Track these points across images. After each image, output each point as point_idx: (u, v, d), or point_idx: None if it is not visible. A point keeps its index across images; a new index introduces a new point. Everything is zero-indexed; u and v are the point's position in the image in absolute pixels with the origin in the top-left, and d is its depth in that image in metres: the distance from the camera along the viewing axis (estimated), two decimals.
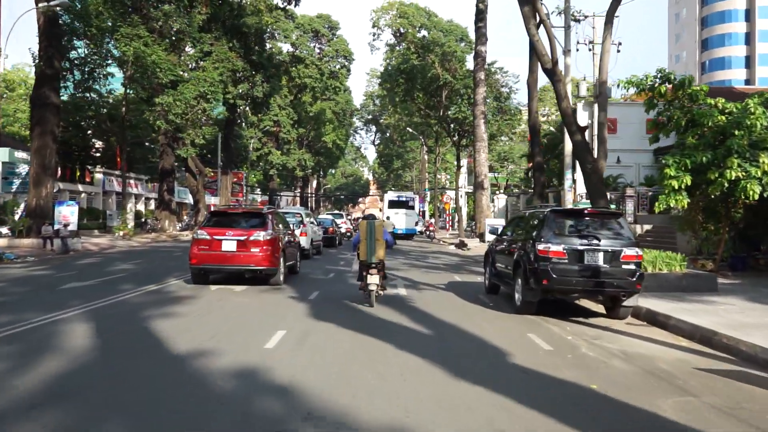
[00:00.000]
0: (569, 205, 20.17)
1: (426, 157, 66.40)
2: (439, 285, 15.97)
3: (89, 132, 43.64)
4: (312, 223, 29.12)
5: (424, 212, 66.30)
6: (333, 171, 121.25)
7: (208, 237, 15.48)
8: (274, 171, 70.67)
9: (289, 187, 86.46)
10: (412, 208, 48.50)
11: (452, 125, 44.07)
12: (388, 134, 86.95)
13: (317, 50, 72.82)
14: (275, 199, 72.82)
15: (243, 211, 18.77)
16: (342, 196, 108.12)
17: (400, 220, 46.36)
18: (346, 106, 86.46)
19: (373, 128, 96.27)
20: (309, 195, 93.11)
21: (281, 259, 16.12)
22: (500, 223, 33.37)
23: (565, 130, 19.61)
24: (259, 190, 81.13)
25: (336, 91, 71.83)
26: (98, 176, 44.37)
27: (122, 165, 41.66)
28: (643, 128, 33.48)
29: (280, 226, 17.85)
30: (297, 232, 22.58)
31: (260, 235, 15.59)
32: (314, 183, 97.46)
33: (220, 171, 54.76)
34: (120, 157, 46.53)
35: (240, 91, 48.02)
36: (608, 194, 31.09)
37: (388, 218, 45.87)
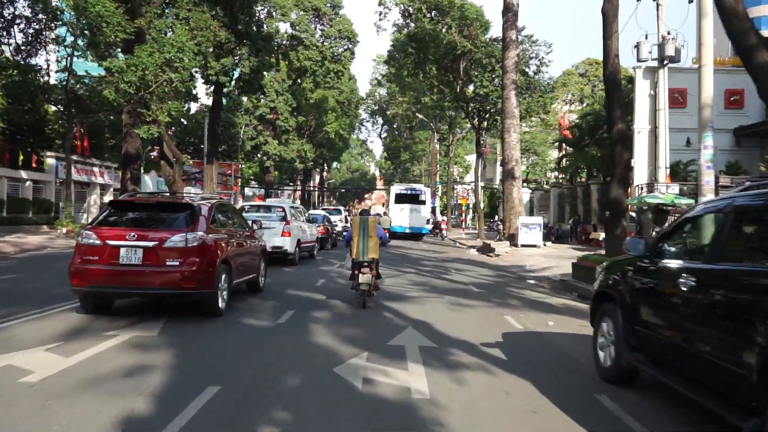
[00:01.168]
0: (708, 196, 11.87)
1: (437, 146, 58.12)
2: (488, 349, 7.79)
3: (43, 109, 35.57)
4: (302, 220, 21.65)
5: (434, 208, 58.17)
6: (338, 165, 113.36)
7: (98, 242, 8.94)
8: (271, 162, 62.59)
9: (290, 181, 78.35)
10: (424, 203, 40.16)
11: (471, 105, 35.78)
12: (395, 125, 78.78)
13: (318, 31, 64.62)
14: (272, 193, 64.70)
15: (159, 201, 11.16)
16: (343, 190, 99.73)
17: (408, 217, 38.29)
18: (350, 96, 78.35)
19: (380, 120, 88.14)
20: (312, 189, 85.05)
21: (222, 276, 10.14)
22: (536, 222, 25.22)
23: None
24: (256, 183, 73.00)
25: (338, 75, 63.75)
26: (50, 161, 36.45)
27: (67, 148, 33.67)
28: (721, 101, 25.10)
29: (230, 223, 11.82)
30: (278, 230, 18.46)
31: (181, 240, 9.30)
32: (317, 177, 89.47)
33: (206, 160, 46.76)
34: (80, 140, 38.55)
35: (224, 66, 39.87)
36: (681, 186, 22.85)
37: (385, 214, 37.76)
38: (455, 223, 55.66)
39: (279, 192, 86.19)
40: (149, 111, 31.65)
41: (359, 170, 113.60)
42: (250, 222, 14.24)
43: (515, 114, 27.40)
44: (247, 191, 77.51)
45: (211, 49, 40.06)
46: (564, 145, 38.03)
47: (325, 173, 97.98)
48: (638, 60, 25.96)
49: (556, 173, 40.22)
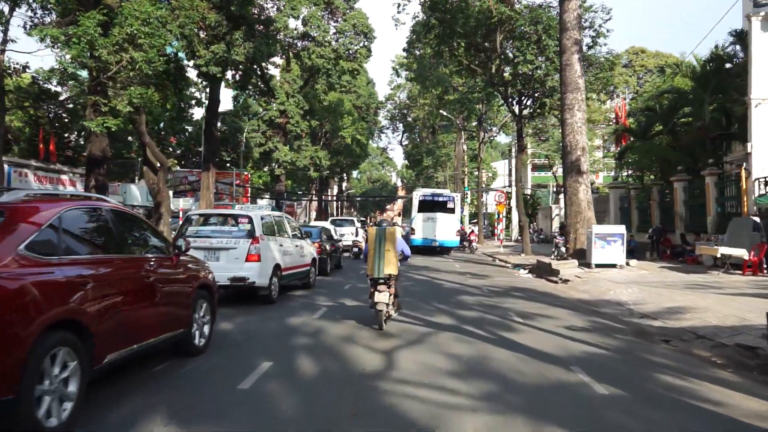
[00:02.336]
0: None
1: (464, 147, 50.09)
2: None
3: None
4: (289, 235, 14.44)
5: (462, 217, 50.11)
6: (358, 175, 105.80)
7: None
8: (281, 171, 55.12)
9: (304, 191, 70.90)
10: (453, 211, 32.50)
11: (509, 89, 27.82)
12: (416, 129, 70.99)
13: (332, 28, 57.24)
14: (282, 204, 57.19)
15: None
16: (359, 199, 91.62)
17: (434, 228, 30.50)
18: (369, 100, 70.83)
19: (400, 126, 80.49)
20: (330, 199, 77.54)
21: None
22: (617, 232, 17.27)
23: None
24: (267, 193, 65.58)
25: (354, 75, 56.13)
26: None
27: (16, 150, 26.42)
28: None
29: (101, 243, 5.85)
30: (240, 252, 11.87)
31: None
32: (335, 187, 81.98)
33: (202, 166, 39.49)
34: (43, 142, 31.46)
35: (215, 54, 32.39)
36: None
37: (401, 225, 29.97)
38: (486, 234, 47.62)
39: (295, 203, 78.85)
40: (106, 99, 24.46)
41: (380, 180, 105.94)
42: (181, 242, 7.38)
43: (579, 85, 19.40)
44: (262, 203, 70.22)
45: (201, 35, 32.96)
46: (624, 137, 29.86)
47: (344, 183, 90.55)
48: (754, 5, 17.93)
49: (615, 172, 32.00)
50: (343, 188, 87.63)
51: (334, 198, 74.99)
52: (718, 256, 16.47)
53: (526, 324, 10.05)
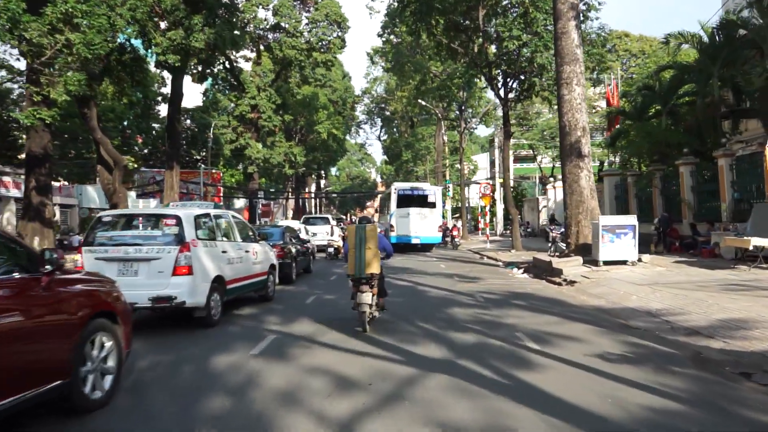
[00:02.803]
0: None
1: (444, 138, 47.30)
2: None
3: None
4: (237, 239, 11.73)
5: (444, 212, 47.40)
6: (337, 172, 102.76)
7: None
8: (254, 168, 51.96)
9: (281, 189, 67.77)
10: (434, 205, 29.79)
11: (494, 70, 25.06)
12: (395, 123, 68.15)
13: (304, 18, 54.16)
14: (256, 203, 54.04)
15: None
16: (334, 195, 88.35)
17: (415, 224, 27.82)
18: (345, 94, 67.84)
19: (378, 121, 77.68)
20: (309, 196, 74.50)
21: None
22: (627, 223, 14.58)
23: None
24: (240, 192, 62.30)
25: (328, 66, 53.09)
26: None
27: None
28: None
29: None
30: (165, 264, 8.99)
31: None
32: (313, 184, 78.92)
33: (167, 165, 36.34)
34: None
35: (172, 41, 29.23)
36: None
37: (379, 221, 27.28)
38: (470, 229, 44.89)
39: (272, 202, 75.67)
40: (39, 87, 21.38)
41: (359, 176, 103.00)
42: (49, 254, 5.03)
43: (578, 56, 16.63)
44: (239, 203, 66.95)
45: (157, 21, 30.01)
46: (617, 120, 27.20)
47: (322, 180, 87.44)
48: None
49: (608, 158, 29.34)
50: (322, 186, 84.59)
51: (312, 195, 71.88)
52: (750, 248, 13.80)
53: (543, 353, 7.22)
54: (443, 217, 44.54)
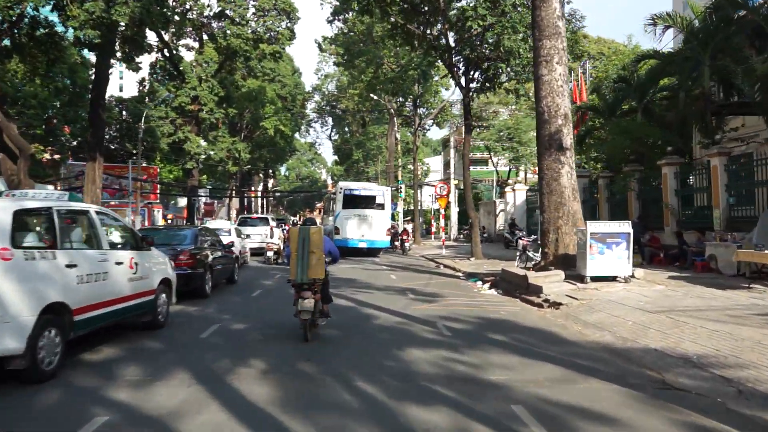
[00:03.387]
0: None
1: (397, 136, 44.17)
2: None
3: None
4: (102, 245, 8.10)
5: (392, 215, 44.26)
6: (286, 172, 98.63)
7: None
8: (194, 164, 47.67)
9: (225, 188, 63.46)
10: (383, 207, 27.01)
11: (454, 56, 21.96)
12: (346, 123, 64.68)
13: (251, 5, 50.20)
14: (195, 201, 49.77)
15: None
16: (278, 195, 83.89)
17: (362, 227, 25.28)
18: (294, 90, 64.05)
19: (329, 120, 74.09)
20: (255, 195, 70.27)
21: None
22: (620, 231, 11.54)
23: None
24: (181, 190, 57.64)
25: (276, 58, 49.21)
26: None
27: None
28: None
29: None
30: None
31: None
32: (261, 183, 74.65)
33: (88, 156, 32.10)
34: None
35: (90, 13, 25.08)
36: None
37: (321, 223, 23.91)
38: (422, 233, 41.85)
39: (218, 202, 71.16)
40: None
41: (309, 177, 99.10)
42: None
43: (560, 29, 13.59)
44: (182, 201, 62.34)
45: None
46: (585, 117, 24.52)
47: (271, 180, 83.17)
48: None
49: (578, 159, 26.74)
50: (270, 185, 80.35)
51: (257, 195, 67.71)
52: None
53: None
54: (394, 219, 41.49)
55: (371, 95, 38.88)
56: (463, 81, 22.22)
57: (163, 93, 48.38)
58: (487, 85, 22.30)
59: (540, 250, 14.41)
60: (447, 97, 41.68)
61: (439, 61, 23.40)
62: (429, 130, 56.10)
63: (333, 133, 75.51)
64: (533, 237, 16.90)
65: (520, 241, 16.40)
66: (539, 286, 12.03)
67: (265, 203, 77.84)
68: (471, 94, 22.27)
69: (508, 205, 31.75)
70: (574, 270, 12.76)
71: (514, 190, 30.96)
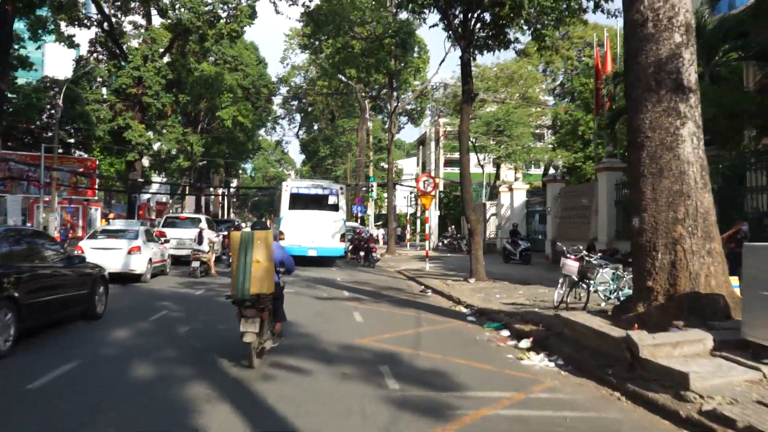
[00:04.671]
0: None
1: (370, 125, 37.21)
2: None
3: None
4: None
5: (360, 218, 37.29)
6: (252, 172, 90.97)
7: None
8: (135, 155, 40.07)
9: (177, 183, 55.70)
10: (336, 208, 22.05)
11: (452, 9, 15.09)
12: (315, 122, 57.54)
13: None
14: (136, 198, 41.99)
15: None
16: (242, 193, 75.41)
17: (312, 232, 21.10)
18: (259, 81, 56.71)
19: (297, 117, 66.85)
20: (210, 194, 62.62)
21: None
22: None
23: None
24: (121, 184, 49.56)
25: (233, 38, 41.88)
26: None
27: None
28: None
29: None
30: None
31: None
32: (223, 182, 66.85)
33: None
34: None
35: None
36: None
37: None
38: (386, 238, 34.96)
39: (171, 199, 63.26)
40: None
41: (277, 178, 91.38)
42: None
43: None
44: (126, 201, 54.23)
45: None
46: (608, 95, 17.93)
47: (235, 180, 75.36)
48: None
49: (607, 146, 19.85)
50: (232, 185, 72.53)
51: (212, 194, 59.92)
52: None
53: None
54: (363, 224, 34.66)
55: (340, 77, 31.84)
56: (461, 30, 15.31)
57: (101, 72, 40.65)
58: (492, 39, 15.45)
59: (633, 281, 7.53)
60: (430, 79, 34.90)
61: (426, 11, 16.38)
62: (403, 128, 49.35)
63: (301, 132, 68.38)
64: (598, 255, 10.00)
65: (568, 262, 9.55)
66: (673, 370, 5.20)
67: (226, 204, 70.14)
68: (471, 49, 15.37)
69: (503, 208, 25.08)
70: (723, 324, 5.98)
71: (511, 189, 24.25)
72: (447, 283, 14.78)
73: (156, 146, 41.83)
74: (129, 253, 15.64)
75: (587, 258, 9.86)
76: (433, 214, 30.70)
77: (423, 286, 14.75)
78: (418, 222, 34.35)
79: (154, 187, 63.05)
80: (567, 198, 20.09)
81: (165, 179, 58.29)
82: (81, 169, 42.75)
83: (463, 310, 11.04)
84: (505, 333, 8.58)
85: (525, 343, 7.68)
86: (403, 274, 18.48)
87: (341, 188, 23.33)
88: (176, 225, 22.37)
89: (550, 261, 20.71)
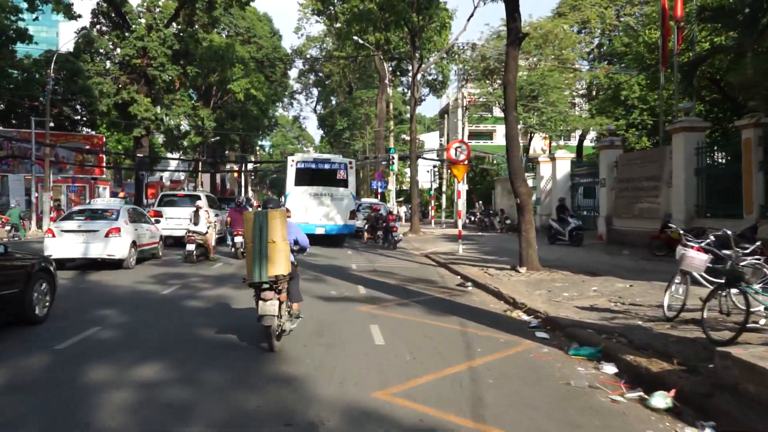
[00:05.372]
0: None
1: (390, 92, 33.60)
2: None
3: None
4: None
5: (381, 194, 33.94)
6: (270, 150, 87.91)
7: None
8: (141, 131, 37.22)
9: (190, 158, 52.81)
10: (344, 184, 20.05)
11: None
12: (330, 88, 54.12)
13: None
14: (144, 176, 39.15)
15: None
16: (257, 168, 71.46)
17: (321, 209, 19.49)
18: (273, 54, 53.31)
19: (314, 92, 63.38)
20: (226, 171, 59.90)
21: None
22: None
23: None
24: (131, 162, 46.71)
25: (243, 3, 38.39)
26: None
27: None
28: None
29: None
30: None
31: None
32: (235, 159, 63.83)
33: None
34: None
35: None
36: None
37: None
38: (407, 217, 31.64)
39: (185, 177, 60.56)
40: None
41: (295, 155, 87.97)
42: None
43: None
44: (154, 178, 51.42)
45: None
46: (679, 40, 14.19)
47: (252, 157, 72.19)
48: None
49: (684, 103, 16.31)
50: (248, 162, 69.42)
51: (227, 171, 56.82)
52: None
53: None
54: (384, 201, 31.37)
55: (356, 39, 28.23)
56: None
57: (103, 44, 37.53)
58: None
59: None
60: (456, 35, 31.23)
61: None
62: (424, 100, 45.61)
63: (318, 107, 64.80)
64: (744, 248, 6.54)
65: (691, 254, 6.12)
66: None
67: (243, 182, 67.32)
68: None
69: (542, 180, 21.55)
70: None
71: (553, 159, 20.61)
72: (489, 272, 11.45)
73: (167, 120, 38.70)
74: (107, 236, 13.02)
75: (716, 249, 6.44)
76: (461, 188, 27.17)
77: (460, 277, 11.45)
78: (443, 197, 30.92)
79: (172, 165, 60.29)
80: (627, 167, 16.51)
81: (180, 156, 55.44)
82: (87, 147, 40.03)
83: (524, 317, 7.75)
84: (610, 369, 5.29)
85: (662, 400, 4.38)
86: (431, 259, 15.19)
87: (350, 162, 21.21)
88: (175, 203, 19.73)
89: (605, 242, 17.25)
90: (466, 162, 15.96)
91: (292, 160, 21.11)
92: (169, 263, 14.29)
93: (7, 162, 37.52)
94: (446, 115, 48.28)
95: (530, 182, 23.90)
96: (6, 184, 36.55)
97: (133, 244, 13.60)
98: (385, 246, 19.17)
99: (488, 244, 18.07)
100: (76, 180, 39.48)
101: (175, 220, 18.77)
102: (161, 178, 50.57)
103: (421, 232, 24.22)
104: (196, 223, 15.61)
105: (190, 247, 14.55)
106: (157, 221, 17.20)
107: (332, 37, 46.01)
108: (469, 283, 10.62)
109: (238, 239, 14.99)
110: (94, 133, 41.21)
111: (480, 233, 24.36)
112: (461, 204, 14.69)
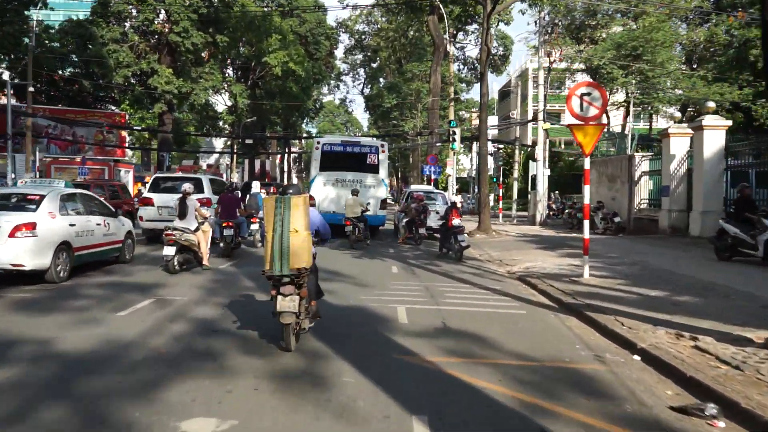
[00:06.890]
0: None
1: (450, 65, 26.71)
2: None
3: None
4: None
5: (434, 181, 27.35)
6: (315, 134, 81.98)
7: None
8: (162, 106, 31.72)
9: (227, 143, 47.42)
10: (375, 170, 17.16)
11: None
12: (377, 65, 47.61)
13: None
14: (165, 158, 33.60)
15: None
16: (298, 153, 65.20)
17: (345, 197, 15.17)
18: (317, 29, 47.16)
19: (361, 72, 57.09)
20: (267, 155, 54.33)
21: None
22: None
23: None
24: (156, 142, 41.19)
25: None
26: None
27: None
28: None
29: None
30: None
31: None
32: (277, 145, 58.16)
33: None
34: None
35: None
36: None
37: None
38: (469, 208, 24.91)
39: (221, 160, 55.33)
40: None
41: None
42: None
43: None
44: (186, 161, 46.26)
45: None
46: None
47: (296, 141, 66.44)
48: None
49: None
50: (293, 147, 63.68)
51: (265, 153, 50.91)
52: None
53: None
54: (437, 188, 24.86)
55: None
56: None
57: (120, 6, 32.00)
58: None
59: None
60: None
61: None
62: (476, 83, 38.64)
63: (366, 89, 58.36)
64: None
65: None
66: None
67: (286, 167, 61.75)
68: None
69: (673, 162, 14.48)
70: None
71: (701, 128, 13.40)
72: (711, 351, 4.79)
73: (193, 95, 33.03)
74: (12, 235, 7.92)
75: None
76: (540, 173, 20.14)
77: (608, 332, 4.81)
78: (515, 185, 23.98)
79: (218, 146, 55.15)
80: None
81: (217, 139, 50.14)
82: (106, 126, 34.73)
83: None
84: None
85: None
86: (536, 289, 8.51)
87: (382, 145, 18.31)
88: (170, 189, 13.98)
89: None
90: (602, 120, 9.19)
91: (318, 143, 18.53)
92: (136, 271, 8.45)
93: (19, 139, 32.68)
94: (506, 99, 40.96)
95: (645, 165, 16.87)
96: (15, 165, 31.78)
97: (65, 246, 8.30)
98: (445, 253, 12.58)
99: (621, 257, 11.25)
100: (94, 162, 34.36)
101: (168, 209, 13.24)
102: (195, 161, 44.80)
103: (492, 231, 17.50)
104: (182, 216, 9.87)
105: (168, 250, 9.39)
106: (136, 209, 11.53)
107: (380, 9, 39.63)
108: (713, 404, 3.93)
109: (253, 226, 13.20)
110: (116, 110, 35.99)
111: (569, 231, 17.54)
112: (586, 194, 7.97)
